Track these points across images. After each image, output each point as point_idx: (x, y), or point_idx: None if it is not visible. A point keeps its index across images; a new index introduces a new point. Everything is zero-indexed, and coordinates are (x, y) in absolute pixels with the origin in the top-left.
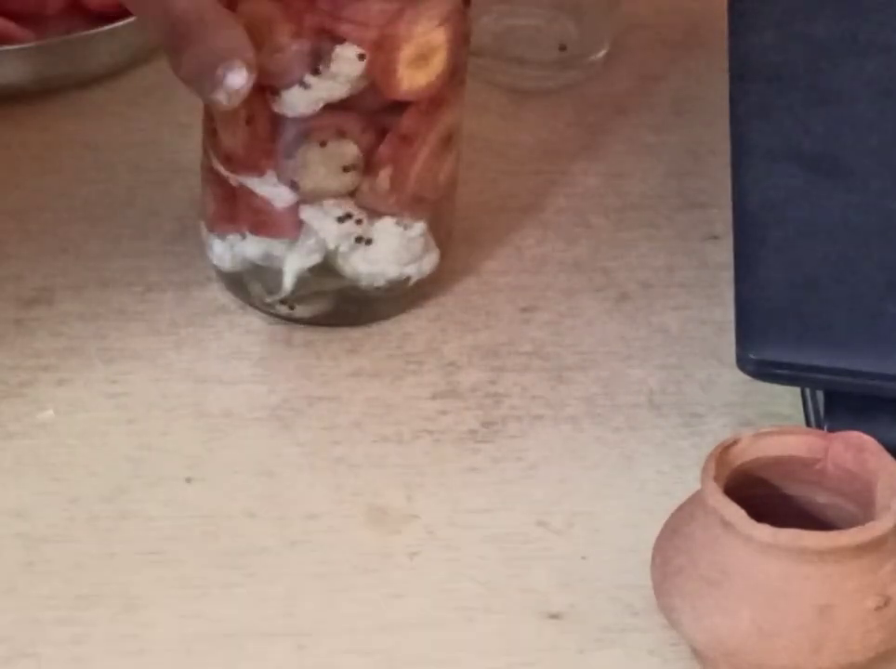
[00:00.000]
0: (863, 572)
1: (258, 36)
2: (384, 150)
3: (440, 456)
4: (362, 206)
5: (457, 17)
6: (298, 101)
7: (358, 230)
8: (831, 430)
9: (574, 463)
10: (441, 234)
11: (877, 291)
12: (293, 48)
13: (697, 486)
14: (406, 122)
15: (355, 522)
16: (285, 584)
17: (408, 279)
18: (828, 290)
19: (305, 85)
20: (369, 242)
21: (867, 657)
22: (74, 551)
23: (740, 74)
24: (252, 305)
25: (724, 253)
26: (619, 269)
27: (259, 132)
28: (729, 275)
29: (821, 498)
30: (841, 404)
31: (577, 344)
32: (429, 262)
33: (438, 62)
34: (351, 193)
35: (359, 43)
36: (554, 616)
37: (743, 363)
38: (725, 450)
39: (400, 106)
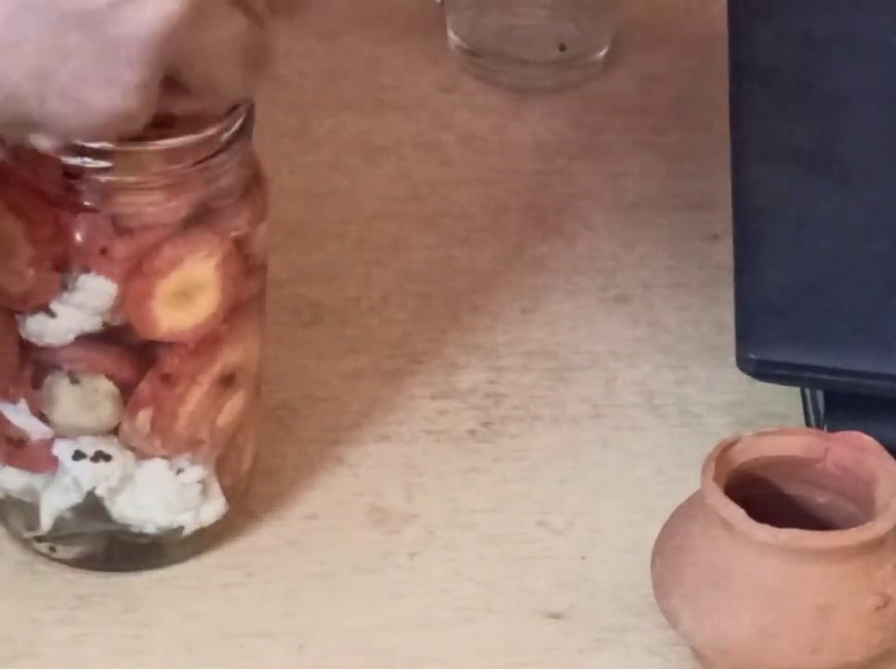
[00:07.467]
0: (863, 572)
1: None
2: (143, 390)
3: (440, 456)
4: (127, 446)
5: (234, 249)
6: (44, 330)
7: (117, 472)
8: (831, 430)
9: (574, 463)
10: (230, 480)
11: (877, 291)
12: (35, 273)
13: (697, 486)
14: (170, 362)
15: (355, 522)
16: (285, 584)
17: (181, 528)
18: (828, 290)
19: (51, 314)
20: (131, 484)
21: (867, 657)
22: None
23: (740, 74)
24: (13, 537)
25: (724, 253)
26: (619, 269)
27: (7, 356)
28: (729, 275)
29: (821, 498)
30: (841, 404)
31: (577, 344)
32: (211, 511)
33: (207, 301)
34: (115, 430)
35: (107, 275)
36: (554, 616)
37: (743, 363)
38: (725, 450)
39: (165, 343)
